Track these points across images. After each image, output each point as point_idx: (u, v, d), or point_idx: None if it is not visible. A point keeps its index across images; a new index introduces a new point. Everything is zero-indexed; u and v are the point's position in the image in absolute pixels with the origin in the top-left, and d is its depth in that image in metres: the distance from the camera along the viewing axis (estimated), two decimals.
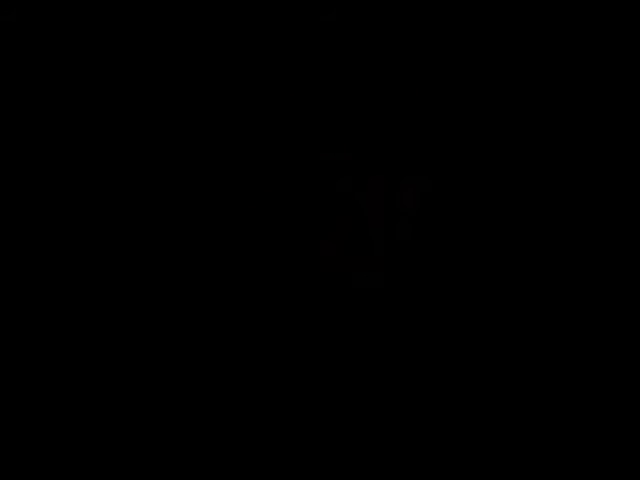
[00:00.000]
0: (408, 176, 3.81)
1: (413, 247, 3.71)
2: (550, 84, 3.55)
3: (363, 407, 3.28)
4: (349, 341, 3.99)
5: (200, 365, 4.09)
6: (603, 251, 3.30)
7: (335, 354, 4.02)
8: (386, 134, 4.05)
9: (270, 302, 3.99)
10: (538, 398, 3.09)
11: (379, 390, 3.52)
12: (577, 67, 3.56)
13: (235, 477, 2.57)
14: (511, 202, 3.57)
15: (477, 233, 3.59)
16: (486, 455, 2.69)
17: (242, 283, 4.05)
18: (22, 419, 3.09)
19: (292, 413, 3.30)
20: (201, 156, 4.10)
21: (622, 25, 3.50)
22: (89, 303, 3.37)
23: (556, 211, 3.42)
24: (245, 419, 3.22)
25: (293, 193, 4.17)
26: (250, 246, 4.00)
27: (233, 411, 3.35)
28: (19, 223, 3.53)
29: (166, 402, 3.46)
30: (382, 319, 4.09)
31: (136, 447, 2.82)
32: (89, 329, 3.30)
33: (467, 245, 3.59)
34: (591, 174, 3.34)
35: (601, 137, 3.43)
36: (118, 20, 3.64)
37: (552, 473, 2.37)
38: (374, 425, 3.08)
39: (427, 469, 2.66)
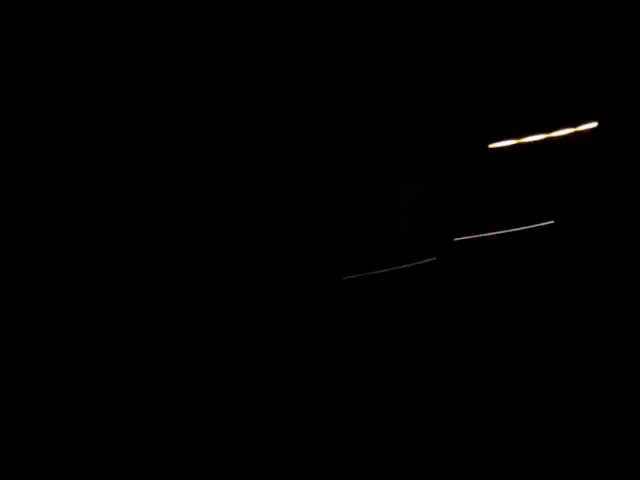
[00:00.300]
0: (408, 176, 3.80)
1: (412, 247, 3.71)
2: (548, 85, 3.55)
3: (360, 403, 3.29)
4: (350, 340, 3.98)
5: (198, 362, 4.07)
6: (603, 251, 3.32)
7: (336, 352, 4.00)
8: (386, 133, 4.04)
9: (268, 301, 3.98)
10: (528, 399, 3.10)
11: (380, 388, 3.51)
12: (574, 68, 3.55)
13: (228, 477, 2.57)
14: (512, 202, 3.56)
15: (478, 234, 3.59)
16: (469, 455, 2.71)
17: (241, 280, 4.03)
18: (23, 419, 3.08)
19: (288, 409, 3.30)
20: (200, 154, 4.07)
21: (621, 25, 3.49)
22: (89, 304, 3.35)
23: (556, 209, 3.43)
24: (243, 416, 3.21)
25: (293, 192, 4.14)
26: (249, 245, 3.99)
27: (230, 409, 3.34)
28: (17, 223, 3.50)
29: (161, 402, 3.44)
30: (383, 318, 4.07)
31: (136, 446, 2.81)
32: (91, 329, 3.29)
33: (467, 245, 3.59)
34: (590, 176, 3.35)
35: (599, 138, 3.43)
36: (117, 18, 3.60)
37: (553, 473, 2.39)
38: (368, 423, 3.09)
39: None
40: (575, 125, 3.35)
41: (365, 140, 4.72)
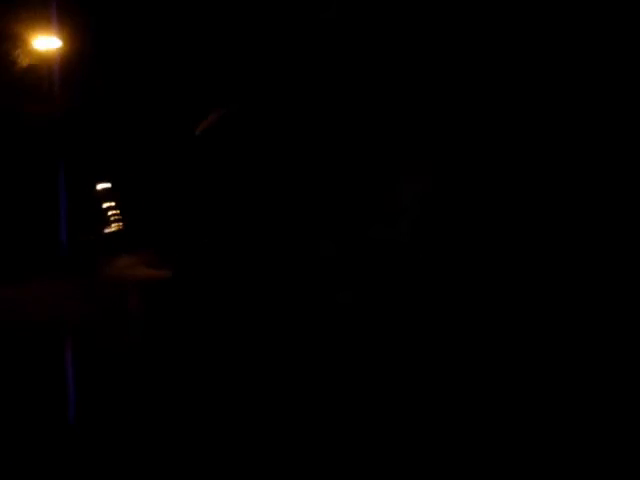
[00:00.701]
0: (408, 176, 3.79)
1: (413, 247, 3.70)
2: (547, 87, 3.55)
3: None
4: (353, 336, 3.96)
5: (199, 359, 4.05)
6: (601, 251, 3.32)
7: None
8: (386, 133, 4.03)
9: (268, 299, 3.96)
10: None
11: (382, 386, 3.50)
12: (573, 70, 3.54)
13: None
14: (510, 202, 3.56)
15: (477, 233, 3.58)
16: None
17: (242, 280, 4.02)
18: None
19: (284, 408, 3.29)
20: (197, 155, 4.08)
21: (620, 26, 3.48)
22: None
23: (555, 211, 3.42)
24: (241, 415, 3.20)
25: (294, 193, 4.14)
26: (250, 244, 3.98)
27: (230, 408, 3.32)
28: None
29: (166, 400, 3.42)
30: (375, 317, 4.06)
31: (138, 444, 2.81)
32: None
33: (467, 245, 3.59)
34: (589, 176, 3.35)
35: (598, 138, 3.43)
36: (117, 19, 3.61)
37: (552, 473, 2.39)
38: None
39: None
40: None
41: (365, 140, 4.70)
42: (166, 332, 5.35)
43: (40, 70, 9.19)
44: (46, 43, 8.81)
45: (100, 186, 20.50)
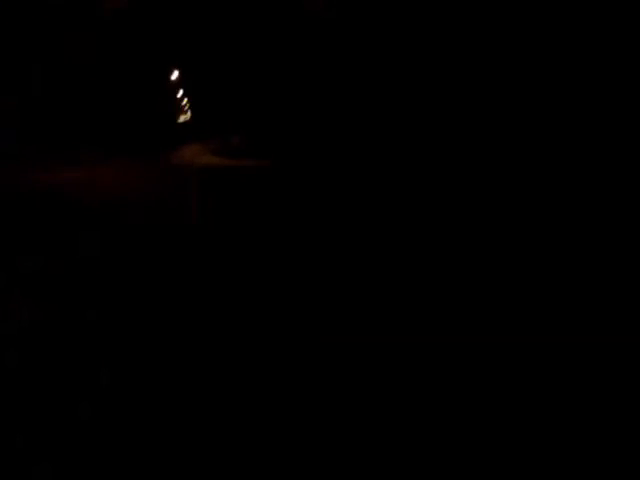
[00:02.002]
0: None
1: None
2: (545, 87, 3.55)
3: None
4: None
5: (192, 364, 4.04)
6: (588, 250, 3.31)
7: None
8: (385, 132, 4.04)
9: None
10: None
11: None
12: (564, 70, 3.55)
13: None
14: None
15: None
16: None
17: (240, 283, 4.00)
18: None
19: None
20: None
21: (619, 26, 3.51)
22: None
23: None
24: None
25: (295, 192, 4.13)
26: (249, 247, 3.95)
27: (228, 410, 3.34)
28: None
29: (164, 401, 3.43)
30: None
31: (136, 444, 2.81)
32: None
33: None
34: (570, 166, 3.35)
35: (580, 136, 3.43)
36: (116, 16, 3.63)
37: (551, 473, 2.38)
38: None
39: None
40: None
41: (368, 138, 4.71)
42: None
43: None
44: None
45: (174, 76, 20.26)
